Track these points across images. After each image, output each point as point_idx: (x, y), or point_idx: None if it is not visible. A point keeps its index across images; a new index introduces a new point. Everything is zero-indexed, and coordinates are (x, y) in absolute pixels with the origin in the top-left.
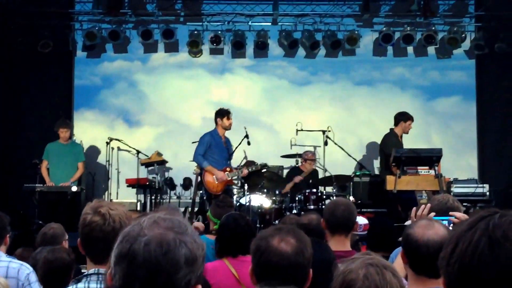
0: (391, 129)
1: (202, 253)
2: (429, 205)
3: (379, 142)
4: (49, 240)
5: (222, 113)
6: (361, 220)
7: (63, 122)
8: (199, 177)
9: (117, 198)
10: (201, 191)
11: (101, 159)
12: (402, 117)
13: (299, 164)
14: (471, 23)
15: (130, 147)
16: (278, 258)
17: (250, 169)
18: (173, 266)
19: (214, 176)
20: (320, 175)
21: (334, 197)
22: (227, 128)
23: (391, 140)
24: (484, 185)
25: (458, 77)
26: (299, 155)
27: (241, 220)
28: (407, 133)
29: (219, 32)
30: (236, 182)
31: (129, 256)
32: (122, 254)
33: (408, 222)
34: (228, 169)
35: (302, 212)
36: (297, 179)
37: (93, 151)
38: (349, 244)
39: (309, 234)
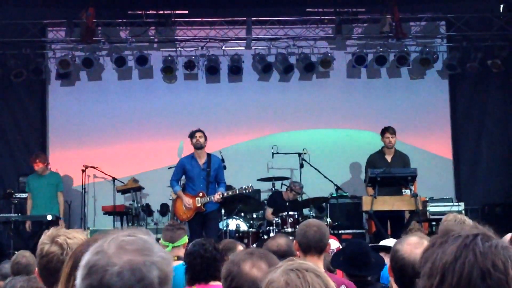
0: (382, 147)
1: (171, 268)
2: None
3: (357, 161)
4: (23, 269)
5: (189, 135)
6: (334, 244)
7: (35, 154)
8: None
9: (94, 226)
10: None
11: (77, 187)
12: (381, 133)
13: (283, 189)
14: (443, 43)
15: (106, 174)
16: (250, 283)
17: (226, 194)
18: None
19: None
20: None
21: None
22: (196, 146)
23: (370, 159)
24: (460, 203)
25: (431, 97)
26: (276, 179)
27: (208, 245)
28: (389, 147)
29: (193, 57)
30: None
31: None
32: (94, 287)
33: (384, 241)
34: (201, 194)
35: None
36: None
37: (69, 179)
38: (322, 265)
39: (280, 259)
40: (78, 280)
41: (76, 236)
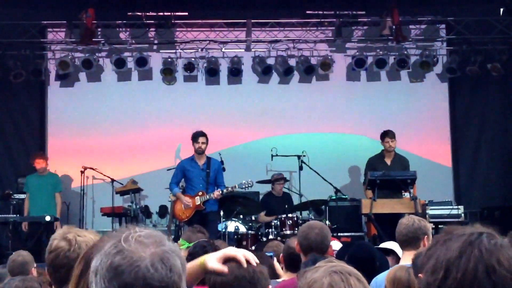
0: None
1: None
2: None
3: (356, 164)
4: (18, 267)
5: (192, 137)
6: (336, 245)
7: (37, 153)
8: None
9: (92, 227)
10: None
11: (76, 188)
12: (381, 137)
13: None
14: (443, 47)
15: (104, 175)
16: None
17: (225, 190)
18: (179, 277)
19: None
20: (296, 200)
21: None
22: (198, 151)
23: (369, 161)
24: (459, 206)
25: (431, 100)
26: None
27: (208, 247)
28: (389, 151)
29: (193, 59)
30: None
31: (139, 283)
32: (128, 284)
33: (384, 244)
34: (200, 193)
35: (278, 238)
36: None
37: (68, 180)
38: None
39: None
40: (100, 284)
41: (87, 235)
